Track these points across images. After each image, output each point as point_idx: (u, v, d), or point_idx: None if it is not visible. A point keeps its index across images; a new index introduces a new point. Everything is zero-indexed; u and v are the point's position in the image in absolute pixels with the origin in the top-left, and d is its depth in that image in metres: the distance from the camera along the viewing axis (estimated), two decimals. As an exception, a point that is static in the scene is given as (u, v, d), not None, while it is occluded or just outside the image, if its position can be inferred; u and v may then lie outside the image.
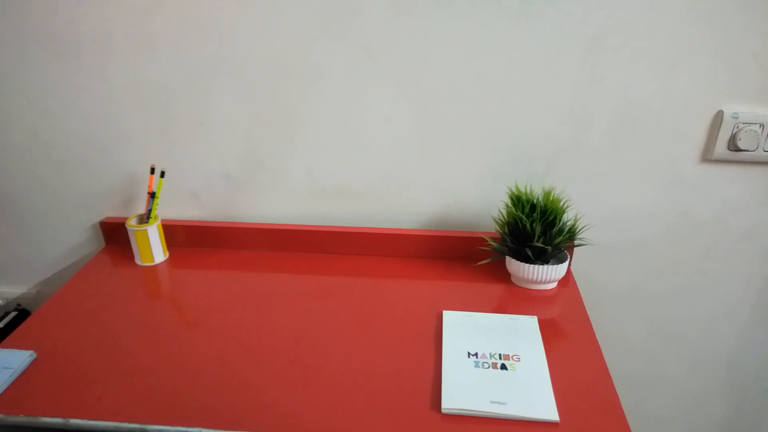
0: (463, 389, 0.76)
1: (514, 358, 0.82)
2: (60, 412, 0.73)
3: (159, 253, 1.11)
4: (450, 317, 0.91)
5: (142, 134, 1.08)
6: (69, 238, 1.20)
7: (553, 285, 1.02)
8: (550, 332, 0.89)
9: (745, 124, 0.96)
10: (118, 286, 1.03)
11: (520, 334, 0.87)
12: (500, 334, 0.87)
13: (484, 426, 0.71)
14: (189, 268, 1.09)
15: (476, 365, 0.80)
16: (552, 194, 0.98)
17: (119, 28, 0.99)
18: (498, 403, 0.73)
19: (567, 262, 1.01)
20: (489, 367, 0.80)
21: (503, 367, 0.80)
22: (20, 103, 1.07)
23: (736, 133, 0.97)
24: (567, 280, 1.04)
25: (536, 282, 1.00)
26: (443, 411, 0.73)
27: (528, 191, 1.00)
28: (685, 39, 0.92)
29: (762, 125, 0.96)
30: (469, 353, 0.83)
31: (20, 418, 0.72)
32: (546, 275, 0.98)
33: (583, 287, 1.02)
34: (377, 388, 0.77)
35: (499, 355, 0.82)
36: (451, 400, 0.74)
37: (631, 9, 0.90)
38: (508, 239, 1.00)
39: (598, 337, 0.89)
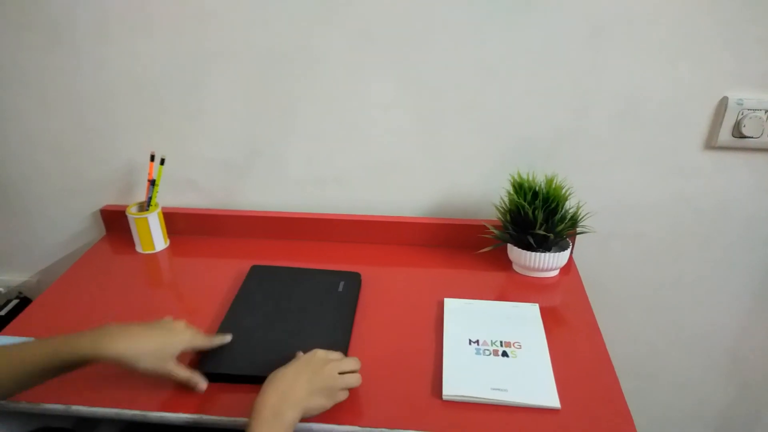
0: (464, 376, 0.76)
1: (516, 345, 0.82)
2: (61, 398, 0.73)
3: (160, 241, 1.10)
4: (451, 305, 0.91)
5: (141, 121, 1.07)
6: (69, 226, 1.20)
7: (555, 273, 1.02)
8: (551, 320, 0.89)
9: (749, 111, 0.95)
10: (119, 274, 1.03)
11: (522, 322, 0.87)
12: (501, 322, 0.87)
13: (485, 413, 0.71)
14: (190, 256, 1.09)
15: (477, 352, 0.80)
16: (554, 182, 0.97)
17: (116, 14, 0.97)
18: (499, 389, 0.73)
19: (569, 250, 1.00)
20: (490, 354, 0.80)
21: (504, 354, 0.80)
22: (18, 90, 1.06)
23: (740, 119, 0.96)
24: (569, 267, 1.04)
25: (538, 270, 1.00)
26: (444, 398, 0.73)
27: (530, 178, 0.99)
28: (689, 25, 0.91)
29: (767, 111, 0.95)
30: (470, 340, 0.83)
31: (22, 405, 0.72)
32: (548, 263, 0.98)
33: (585, 275, 1.02)
34: (379, 375, 0.77)
35: (501, 342, 0.82)
36: (453, 387, 0.74)
37: (636, -7, 0.89)
38: (509, 227, 1.00)
39: (599, 324, 0.88)
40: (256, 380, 0.74)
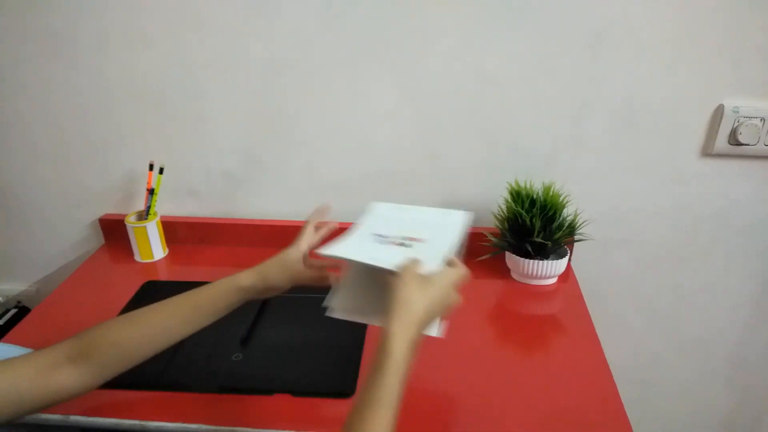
0: (344, 245, 0.69)
1: (419, 240, 0.71)
2: (59, 408, 0.73)
3: (158, 250, 1.10)
4: (377, 208, 0.82)
5: (140, 130, 1.08)
6: (69, 235, 1.20)
7: (553, 280, 1.02)
8: (550, 327, 0.89)
9: (745, 118, 0.96)
10: (118, 282, 1.03)
11: (442, 227, 0.75)
12: (421, 225, 0.75)
13: (476, 417, 0.71)
14: (188, 265, 1.09)
15: (376, 241, 0.71)
16: (552, 189, 0.98)
17: (115, 25, 0.98)
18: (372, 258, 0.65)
19: (567, 258, 1.01)
20: (388, 244, 0.70)
21: (402, 245, 0.70)
22: (18, 100, 1.06)
23: (736, 127, 0.96)
24: (567, 275, 1.04)
25: (536, 277, 1.00)
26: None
27: (528, 186, 0.99)
28: (686, 33, 0.92)
29: (763, 119, 0.96)
30: (376, 235, 0.73)
31: (20, 415, 0.72)
32: (546, 270, 0.98)
33: (584, 282, 1.02)
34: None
35: (406, 237, 0.71)
36: (329, 249, 0.68)
37: (632, 3, 0.90)
38: (507, 234, 1.00)
39: (598, 332, 0.88)
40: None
